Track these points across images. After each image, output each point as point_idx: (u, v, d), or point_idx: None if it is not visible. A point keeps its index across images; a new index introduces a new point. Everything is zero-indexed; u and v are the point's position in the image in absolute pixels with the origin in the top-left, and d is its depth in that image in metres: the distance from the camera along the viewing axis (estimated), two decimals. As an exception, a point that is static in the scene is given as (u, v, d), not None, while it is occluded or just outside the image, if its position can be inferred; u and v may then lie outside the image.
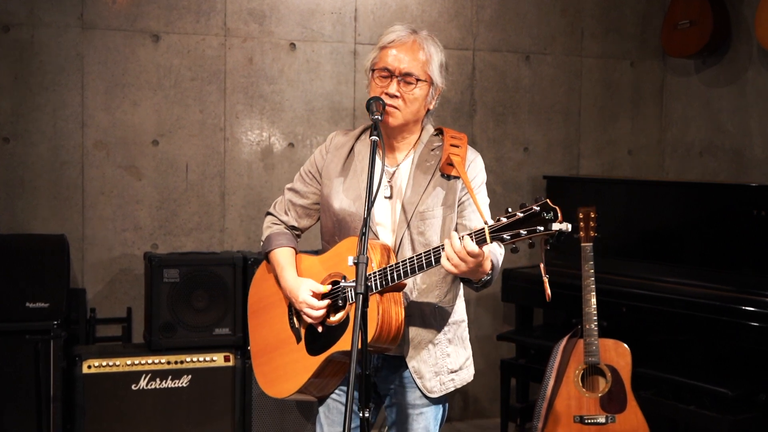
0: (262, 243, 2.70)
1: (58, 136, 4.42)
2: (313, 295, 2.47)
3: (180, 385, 4.09)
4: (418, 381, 2.53)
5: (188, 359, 4.10)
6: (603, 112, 5.45)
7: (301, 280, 2.52)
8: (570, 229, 2.15)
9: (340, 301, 2.47)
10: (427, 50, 2.48)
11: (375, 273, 2.37)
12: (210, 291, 4.14)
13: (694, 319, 3.95)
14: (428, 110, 2.56)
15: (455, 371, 2.59)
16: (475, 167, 2.55)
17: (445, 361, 2.56)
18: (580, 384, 3.73)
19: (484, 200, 2.54)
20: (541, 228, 2.15)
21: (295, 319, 2.58)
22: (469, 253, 2.22)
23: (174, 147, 4.60)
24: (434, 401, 2.57)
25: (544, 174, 5.19)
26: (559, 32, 5.31)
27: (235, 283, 4.15)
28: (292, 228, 2.69)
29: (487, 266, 2.33)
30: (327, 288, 2.48)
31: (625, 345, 3.73)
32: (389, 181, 2.54)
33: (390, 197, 2.53)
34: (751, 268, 4.02)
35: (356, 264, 2.18)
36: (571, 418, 3.71)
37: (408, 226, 2.48)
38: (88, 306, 4.45)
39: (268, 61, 4.73)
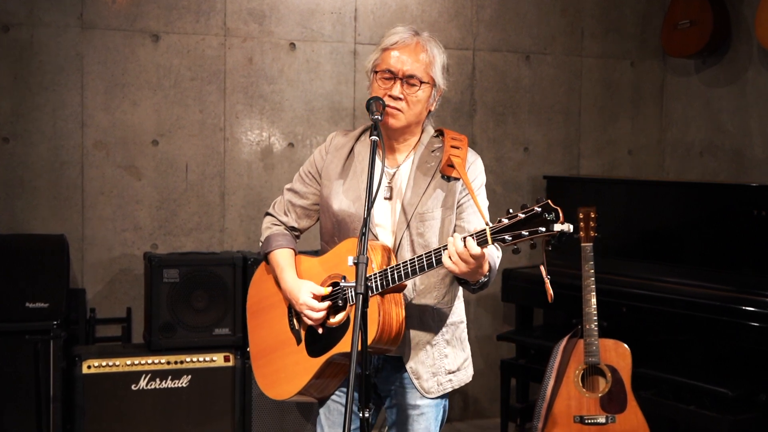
0: (261, 244, 2.69)
1: (57, 136, 4.42)
2: (313, 297, 2.47)
3: (180, 385, 4.09)
4: (415, 381, 2.53)
5: (188, 359, 4.09)
6: (603, 112, 5.45)
7: (301, 282, 2.52)
8: (572, 230, 2.15)
9: (339, 302, 2.47)
10: (429, 52, 2.48)
11: (376, 274, 2.37)
12: (210, 291, 4.14)
13: (694, 319, 3.95)
14: (429, 111, 2.56)
15: (453, 372, 2.59)
16: (475, 169, 2.55)
17: (442, 362, 2.56)
18: (580, 384, 3.72)
19: (483, 202, 2.54)
20: (543, 229, 2.15)
21: (295, 321, 2.58)
22: (471, 255, 2.22)
23: (174, 147, 4.60)
24: (434, 401, 2.57)
25: (544, 174, 5.19)
26: (559, 32, 5.31)
27: (235, 283, 4.15)
28: (292, 229, 2.69)
29: (485, 268, 2.33)
30: (328, 290, 2.48)
31: (625, 345, 3.73)
32: (389, 183, 2.54)
33: (390, 198, 2.53)
34: (751, 268, 4.02)
35: (356, 264, 2.18)
36: (571, 418, 3.71)
37: (407, 227, 2.48)
38: (87, 306, 4.45)
39: (267, 61, 4.73)
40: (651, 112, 5.55)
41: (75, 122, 4.44)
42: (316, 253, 2.65)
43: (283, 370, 2.58)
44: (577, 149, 5.40)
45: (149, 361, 4.05)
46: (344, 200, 2.53)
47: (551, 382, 3.77)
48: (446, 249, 2.27)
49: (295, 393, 2.54)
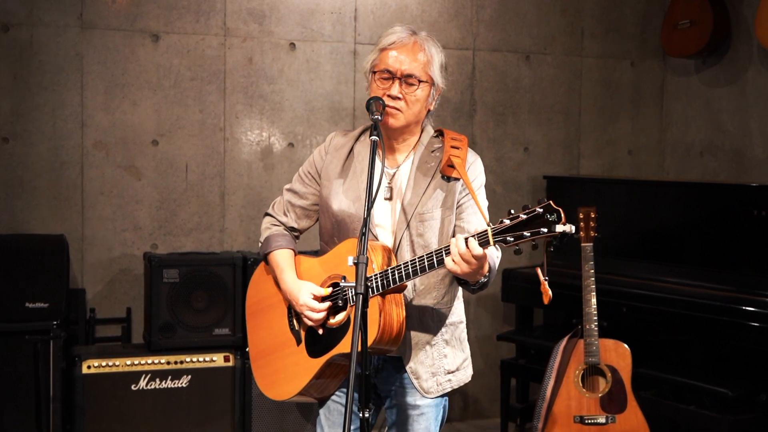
0: (260, 244, 2.69)
1: (57, 136, 4.42)
2: (313, 298, 2.47)
3: (180, 385, 4.08)
4: (414, 381, 2.53)
5: (188, 359, 4.09)
6: (603, 112, 5.45)
7: (301, 283, 2.52)
8: (574, 231, 2.15)
9: (339, 302, 2.47)
10: (428, 51, 2.48)
11: (376, 275, 2.37)
12: (210, 291, 4.14)
13: (694, 319, 3.95)
14: (428, 111, 2.56)
15: (452, 372, 2.58)
16: (475, 169, 2.55)
17: (442, 362, 2.56)
18: (580, 384, 3.72)
19: (483, 202, 2.54)
20: (545, 230, 2.15)
21: (294, 321, 2.58)
22: (473, 256, 2.22)
23: (174, 147, 4.60)
24: (434, 401, 2.57)
25: (544, 174, 5.19)
26: (559, 32, 5.30)
27: (234, 283, 4.15)
28: (291, 229, 2.68)
29: (486, 269, 2.33)
30: (328, 291, 2.48)
31: (626, 345, 3.73)
32: (389, 183, 2.54)
33: (390, 198, 2.53)
34: (751, 268, 4.02)
35: (356, 264, 2.18)
36: (571, 418, 3.71)
37: (407, 227, 2.48)
38: (87, 306, 4.45)
39: (267, 61, 4.73)
40: (651, 112, 5.54)
41: (75, 122, 4.44)
42: (315, 254, 2.65)
43: (283, 371, 2.57)
44: (577, 149, 5.40)
45: (149, 362, 4.05)
46: (344, 200, 2.53)
47: (551, 382, 3.77)
48: (447, 250, 2.27)
49: (295, 393, 2.54)
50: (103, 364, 3.99)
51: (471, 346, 2.69)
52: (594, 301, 3.71)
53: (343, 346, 2.41)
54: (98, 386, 3.98)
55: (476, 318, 5.16)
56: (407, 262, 2.35)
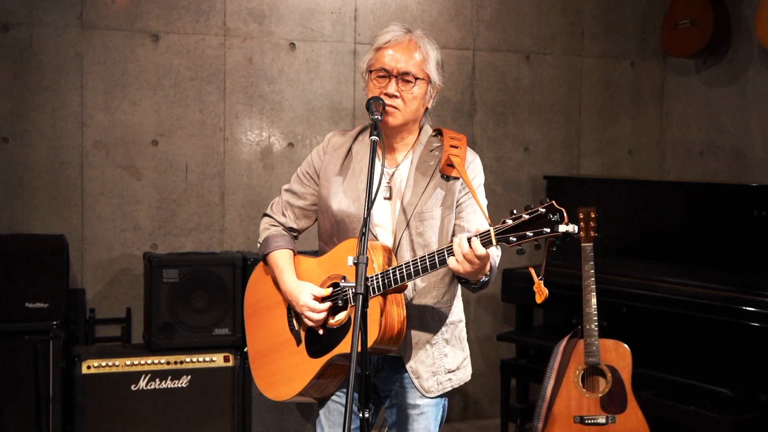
0: (259, 245, 2.68)
1: (57, 136, 4.41)
2: (314, 299, 2.46)
3: (179, 385, 4.08)
4: (415, 381, 2.53)
5: (188, 359, 4.09)
6: (603, 112, 5.45)
7: (302, 284, 2.51)
8: (576, 231, 2.15)
9: (339, 302, 2.46)
10: (423, 49, 2.48)
11: (378, 275, 2.36)
12: (209, 291, 4.14)
13: (694, 319, 3.94)
14: (426, 109, 2.56)
15: (452, 371, 2.58)
16: (474, 168, 2.55)
17: (442, 361, 2.56)
18: (581, 384, 3.72)
19: (482, 201, 2.54)
20: (548, 230, 2.15)
21: (294, 322, 2.57)
22: (476, 255, 2.22)
23: (173, 147, 4.60)
24: (434, 401, 2.57)
25: (544, 174, 5.18)
26: (559, 32, 5.30)
27: (234, 283, 4.15)
28: (290, 229, 2.68)
29: (487, 268, 2.33)
30: (328, 291, 2.47)
31: (626, 345, 3.73)
32: (388, 182, 2.53)
33: (389, 198, 2.53)
34: (752, 268, 4.01)
35: (356, 264, 2.18)
36: (571, 418, 3.70)
37: (407, 226, 2.48)
38: (87, 306, 4.45)
39: (267, 61, 4.73)
40: (651, 112, 5.54)
41: (75, 122, 4.44)
42: (315, 254, 2.64)
43: (283, 371, 2.57)
44: (577, 149, 5.40)
45: (149, 362, 4.05)
46: (343, 200, 2.53)
47: (551, 383, 3.77)
48: (449, 250, 2.28)
49: (295, 394, 2.54)
50: (103, 364, 3.99)
51: (471, 347, 2.69)
52: (594, 301, 3.71)
53: (344, 347, 2.41)
54: (98, 386, 3.98)
55: (476, 318, 5.15)
56: (409, 262, 2.35)
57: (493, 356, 5.12)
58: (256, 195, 4.74)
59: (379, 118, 2.41)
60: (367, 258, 2.20)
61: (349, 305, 2.43)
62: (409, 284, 2.47)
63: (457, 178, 2.49)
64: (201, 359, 4.10)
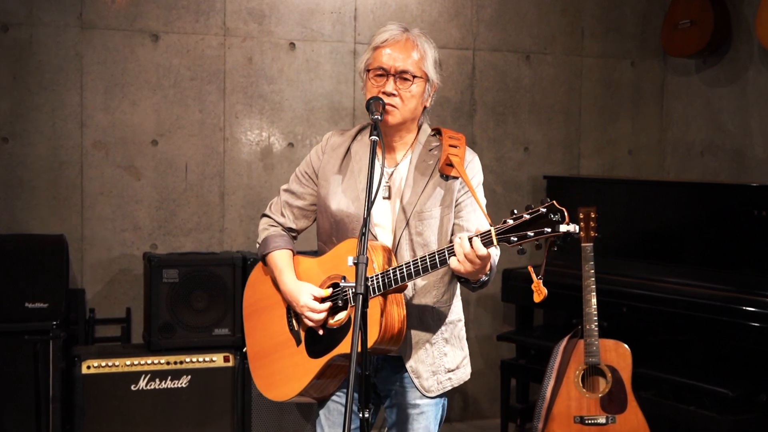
0: (258, 245, 2.68)
1: (57, 136, 4.41)
2: (314, 299, 2.46)
3: (179, 385, 4.08)
4: (415, 380, 2.53)
5: (187, 359, 4.09)
6: (603, 111, 5.44)
7: (301, 284, 2.51)
8: (577, 231, 2.15)
9: (339, 302, 2.46)
10: (420, 47, 2.49)
11: (378, 275, 2.36)
12: (209, 291, 4.13)
13: (694, 319, 3.94)
14: (425, 108, 2.55)
15: (452, 370, 2.58)
16: (473, 167, 2.55)
17: (442, 361, 2.56)
18: (581, 384, 3.72)
19: (481, 201, 2.54)
20: (549, 230, 2.15)
21: (294, 322, 2.57)
22: (477, 255, 2.22)
23: (173, 147, 4.60)
24: (434, 400, 2.57)
25: (544, 174, 5.18)
26: (560, 32, 5.30)
27: (234, 283, 4.14)
28: (289, 230, 2.68)
29: (488, 268, 2.33)
30: (328, 291, 2.47)
31: (626, 345, 3.73)
32: (387, 182, 2.53)
33: (388, 197, 2.52)
34: (752, 268, 4.01)
35: (356, 264, 2.18)
36: (571, 418, 3.70)
37: (407, 226, 2.48)
38: (87, 306, 4.45)
39: (267, 61, 4.73)
40: (651, 111, 5.54)
41: (74, 122, 4.44)
42: (314, 254, 2.64)
43: (283, 372, 2.57)
44: (577, 149, 5.40)
45: (149, 362, 4.05)
46: (343, 200, 2.52)
47: (551, 383, 3.77)
48: (450, 249, 2.28)
49: (295, 394, 2.54)
50: (103, 364, 3.99)
51: (471, 346, 2.69)
52: (594, 301, 3.71)
53: (344, 347, 2.41)
54: (98, 386, 3.97)
55: (476, 318, 5.15)
56: (409, 262, 2.35)
57: (493, 356, 5.12)
58: (255, 195, 4.73)
59: (379, 118, 2.41)
60: (367, 258, 2.20)
61: (349, 305, 2.43)
62: (409, 284, 2.47)
63: (456, 178, 2.49)
64: (201, 359, 4.10)
